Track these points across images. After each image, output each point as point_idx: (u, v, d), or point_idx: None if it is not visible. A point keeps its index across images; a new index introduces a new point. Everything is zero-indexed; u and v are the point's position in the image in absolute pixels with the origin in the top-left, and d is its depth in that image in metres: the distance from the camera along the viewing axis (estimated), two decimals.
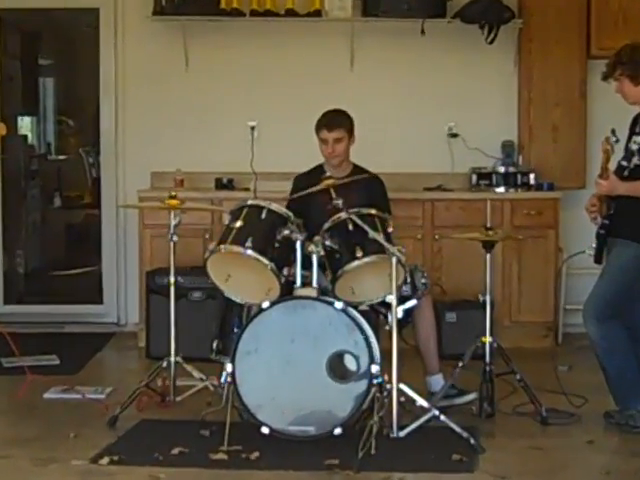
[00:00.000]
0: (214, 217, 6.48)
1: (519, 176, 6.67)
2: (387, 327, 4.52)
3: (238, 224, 4.64)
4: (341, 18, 6.77)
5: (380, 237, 4.51)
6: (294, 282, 4.60)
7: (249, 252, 4.54)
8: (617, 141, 4.59)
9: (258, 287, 4.63)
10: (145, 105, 7.04)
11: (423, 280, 4.92)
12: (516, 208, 6.57)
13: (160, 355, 5.15)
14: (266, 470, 4.14)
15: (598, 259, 4.73)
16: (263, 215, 4.66)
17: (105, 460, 4.22)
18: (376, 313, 4.78)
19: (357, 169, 5.24)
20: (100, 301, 7.20)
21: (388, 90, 6.99)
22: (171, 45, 6.91)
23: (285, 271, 4.63)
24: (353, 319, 4.43)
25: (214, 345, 4.80)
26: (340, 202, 4.58)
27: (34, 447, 4.43)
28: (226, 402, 4.46)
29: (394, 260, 4.43)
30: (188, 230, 5.78)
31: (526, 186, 6.65)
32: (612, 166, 4.67)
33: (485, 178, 6.71)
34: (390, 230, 4.67)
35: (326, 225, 4.64)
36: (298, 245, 4.59)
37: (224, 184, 6.77)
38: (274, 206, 4.68)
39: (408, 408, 4.58)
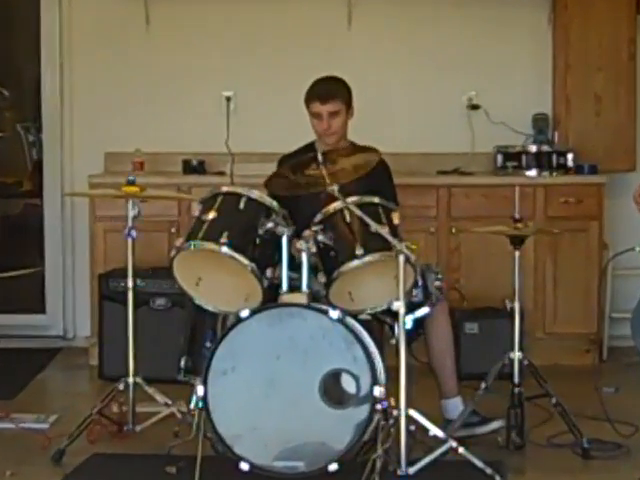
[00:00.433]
0: (181, 207, 6.50)
1: (554, 156, 6.69)
2: (393, 340, 4.52)
3: (211, 216, 4.64)
4: None
5: (385, 231, 4.51)
6: (279, 286, 4.60)
7: (224, 250, 4.54)
8: None
9: (235, 292, 4.64)
10: (97, 72, 7.05)
11: (437, 283, 4.94)
12: (551, 195, 6.60)
13: (116, 375, 5.16)
14: None
15: None
16: (241, 205, 4.66)
17: None
18: (380, 323, 4.79)
19: (356, 149, 5.24)
20: (42, 310, 7.23)
21: (393, 53, 7.01)
22: None
23: (269, 273, 4.62)
24: (351, 331, 4.43)
25: (182, 363, 4.79)
26: (335, 188, 4.59)
27: None
28: (197, 432, 4.45)
29: (402, 259, 4.43)
30: (150, 223, 5.81)
31: (563, 168, 6.67)
32: None
33: (513, 159, 6.73)
34: (397, 222, 4.68)
35: (318, 217, 4.64)
36: (284, 241, 4.59)
37: (194, 167, 6.78)
38: (255, 194, 4.68)
39: (419, 439, 4.58)
